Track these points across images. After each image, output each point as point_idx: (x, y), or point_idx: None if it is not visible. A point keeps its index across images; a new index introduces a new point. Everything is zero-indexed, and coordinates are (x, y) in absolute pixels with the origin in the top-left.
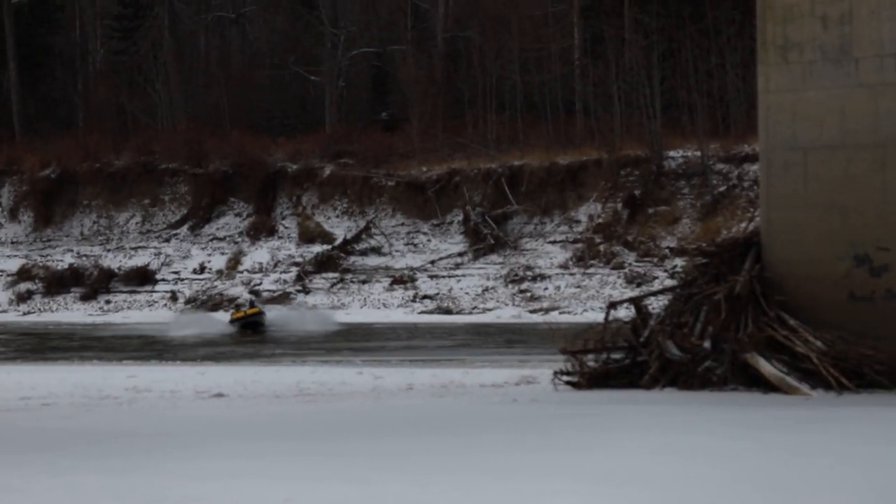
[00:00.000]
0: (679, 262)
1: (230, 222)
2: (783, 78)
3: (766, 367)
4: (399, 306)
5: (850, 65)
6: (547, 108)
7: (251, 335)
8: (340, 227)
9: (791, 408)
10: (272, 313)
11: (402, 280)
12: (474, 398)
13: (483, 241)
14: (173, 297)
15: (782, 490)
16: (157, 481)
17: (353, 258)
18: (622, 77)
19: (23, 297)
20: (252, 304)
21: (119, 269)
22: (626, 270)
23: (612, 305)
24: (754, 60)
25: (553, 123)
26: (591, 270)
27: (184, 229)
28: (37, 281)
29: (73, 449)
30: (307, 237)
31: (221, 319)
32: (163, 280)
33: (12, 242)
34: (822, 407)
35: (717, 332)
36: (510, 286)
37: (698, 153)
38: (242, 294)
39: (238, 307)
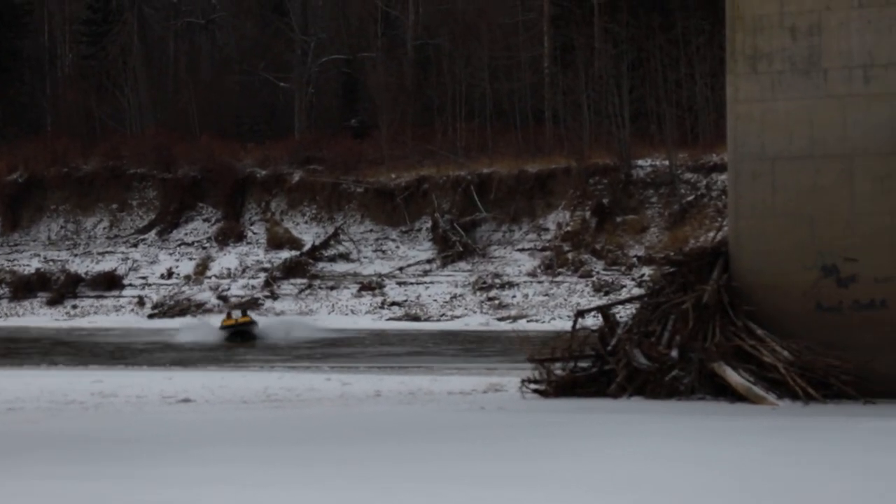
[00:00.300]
0: (647, 270)
1: (198, 227)
2: (752, 88)
3: (734, 377)
4: (367, 313)
5: (818, 76)
6: (516, 116)
7: (240, 344)
8: (309, 234)
9: (757, 417)
10: (265, 321)
11: (370, 286)
12: (442, 405)
13: (451, 249)
14: (140, 302)
15: (746, 493)
16: (124, 487)
17: (321, 264)
18: (591, 86)
19: None
20: (244, 313)
21: (86, 273)
22: (594, 279)
23: (580, 314)
24: (723, 70)
25: (522, 131)
26: (559, 279)
27: (152, 234)
28: (3, 285)
29: (38, 454)
30: (275, 243)
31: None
32: (130, 285)
33: None
34: (788, 416)
35: (685, 342)
36: (478, 293)
37: (667, 162)
38: (210, 299)
39: (229, 314)
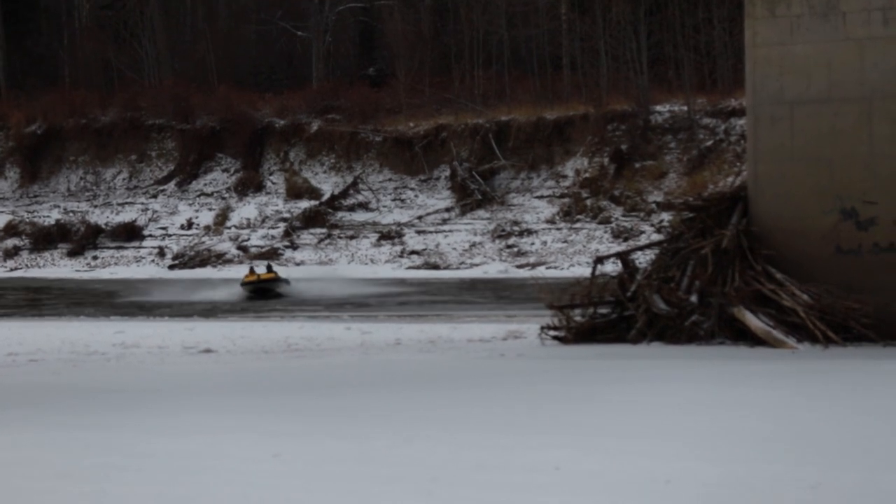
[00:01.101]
0: (666, 216)
1: (217, 178)
2: (770, 32)
3: (753, 321)
4: (387, 262)
5: (837, 18)
6: (534, 63)
7: (260, 300)
8: (328, 183)
9: (777, 361)
10: (299, 276)
11: (389, 236)
12: (462, 353)
13: (470, 197)
14: (161, 252)
15: (768, 436)
16: (145, 437)
17: (340, 214)
18: (609, 31)
19: (9, 254)
20: (269, 269)
21: (106, 224)
22: (613, 225)
23: (599, 260)
24: (742, 14)
25: (540, 78)
26: (577, 225)
27: (171, 185)
28: (23, 237)
29: (60, 405)
30: (295, 193)
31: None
32: (150, 236)
33: None
34: (808, 360)
35: (704, 287)
36: (497, 241)
37: (685, 108)
38: (230, 250)
39: (252, 269)
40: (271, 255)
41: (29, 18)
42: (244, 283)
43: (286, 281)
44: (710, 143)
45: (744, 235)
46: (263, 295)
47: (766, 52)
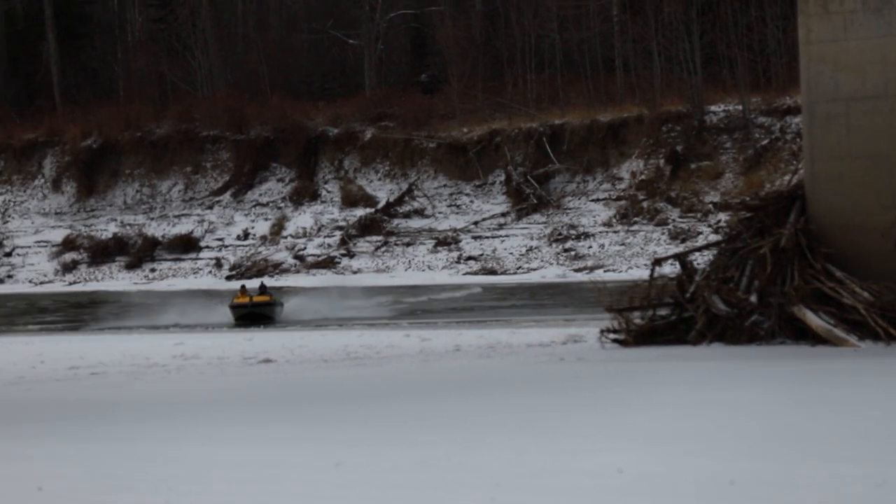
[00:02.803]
0: (723, 216)
1: (273, 188)
2: (824, 28)
3: (814, 320)
4: (444, 268)
5: (891, 13)
6: (587, 66)
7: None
8: (383, 190)
9: (840, 359)
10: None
11: (445, 242)
12: (521, 358)
13: (526, 201)
14: (218, 263)
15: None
16: (207, 448)
17: (396, 221)
18: (661, 32)
19: (68, 267)
20: (263, 290)
21: (163, 237)
22: (670, 226)
23: (657, 262)
24: (794, 12)
25: (593, 81)
26: (634, 227)
27: (226, 196)
28: (81, 251)
29: (122, 417)
30: (350, 201)
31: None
32: (207, 247)
33: (56, 213)
34: (870, 357)
35: (764, 286)
36: (554, 245)
37: (740, 107)
38: (286, 259)
39: (243, 289)
40: (328, 263)
41: (83, 34)
42: (234, 306)
43: (280, 303)
44: (765, 141)
45: (802, 234)
46: (254, 320)
47: (819, 49)
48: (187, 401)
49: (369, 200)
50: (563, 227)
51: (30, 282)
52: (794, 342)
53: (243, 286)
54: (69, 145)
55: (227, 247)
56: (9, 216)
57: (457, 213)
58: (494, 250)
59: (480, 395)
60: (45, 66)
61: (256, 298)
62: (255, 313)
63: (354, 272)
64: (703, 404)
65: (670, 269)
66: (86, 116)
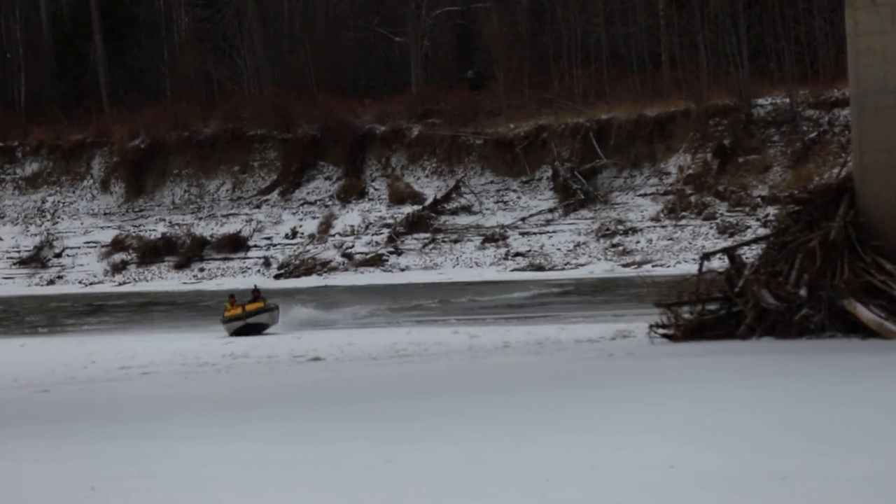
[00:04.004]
0: (771, 210)
1: (320, 186)
2: (872, 20)
3: (864, 313)
4: (491, 264)
5: None
6: (633, 60)
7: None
8: (430, 187)
9: (891, 353)
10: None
11: (493, 238)
12: (570, 354)
13: (573, 197)
14: (266, 262)
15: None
16: (258, 446)
17: (443, 218)
18: (707, 26)
19: (117, 268)
20: (256, 295)
21: (211, 236)
22: (718, 221)
23: (706, 257)
24: (842, 4)
25: (639, 75)
26: (682, 222)
27: (274, 195)
28: (130, 251)
29: (174, 417)
30: (397, 198)
31: None
32: (255, 246)
33: (105, 213)
34: None
35: (813, 280)
36: (602, 241)
37: (787, 100)
38: (335, 257)
39: (232, 299)
40: (376, 261)
41: (129, 34)
42: (227, 320)
43: (276, 306)
44: (813, 134)
45: (852, 227)
46: (251, 332)
47: (867, 42)
48: (237, 399)
49: (416, 197)
50: (610, 222)
51: (80, 282)
52: (845, 336)
53: (232, 295)
54: (117, 146)
55: (275, 245)
56: (58, 217)
57: (504, 210)
58: (542, 246)
59: (529, 392)
60: (93, 68)
61: (249, 307)
62: (252, 325)
63: (402, 269)
64: (754, 399)
65: (719, 263)
66: (133, 117)
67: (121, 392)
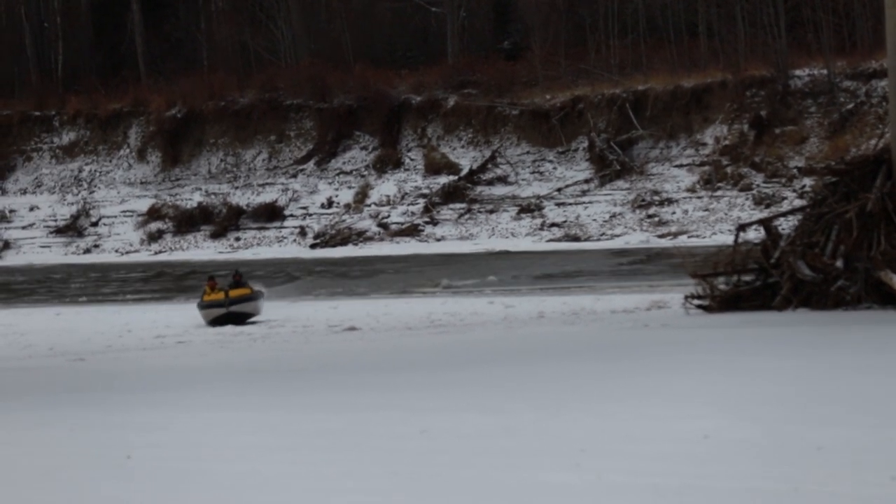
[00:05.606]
0: (808, 181)
1: (356, 156)
2: None
3: None
4: (527, 235)
5: None
6: (670, 31)
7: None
8: (466, 158)
9: None
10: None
11: (529, 209)
12: (605, 324)
13: (609, 167)
14: (302, 232)
15: None
16: (294, 416)
17: (479, 188)
18: None
19: (153, 237)
20: (238, 279)
21: (247, 206)
22: (755, 192)
23: (742, 228)
24: None
25: (677, 46)
26: (718, 193)
27: (310, 164)
28: (167, 220)
29: (209, 386)
30: (433, 168)
31: None
32: (291, 216)
33: (141, 183)
34: None
35: (850, 251)
36: (637, 211)
37: (825, 71)
38: (370, 227)
39: (212, 281)
40: (412, 231)
41: (166, 3)
42: (205, 306)
43: (262, 293)
44: (850, 105)
45: (888, 198)
46: (233, 321)
47: None
48: (272, 369)
49: (452, 168)
50: (646, 193)
51: (116, 251)
52: (881, 307)
53: (211, 277)
54: (154, 115)
55: (311, 215)
56: (95, 186)
57: (540, 180)
58: (578, 217)
59: (564, 362)
60: (130, 37)
61: (234, 293)
62: (235, 314)
63: (438, 240)
64: (789, 370)
65: (754, 234)
66: (170, 86)
67: (156, 361)
